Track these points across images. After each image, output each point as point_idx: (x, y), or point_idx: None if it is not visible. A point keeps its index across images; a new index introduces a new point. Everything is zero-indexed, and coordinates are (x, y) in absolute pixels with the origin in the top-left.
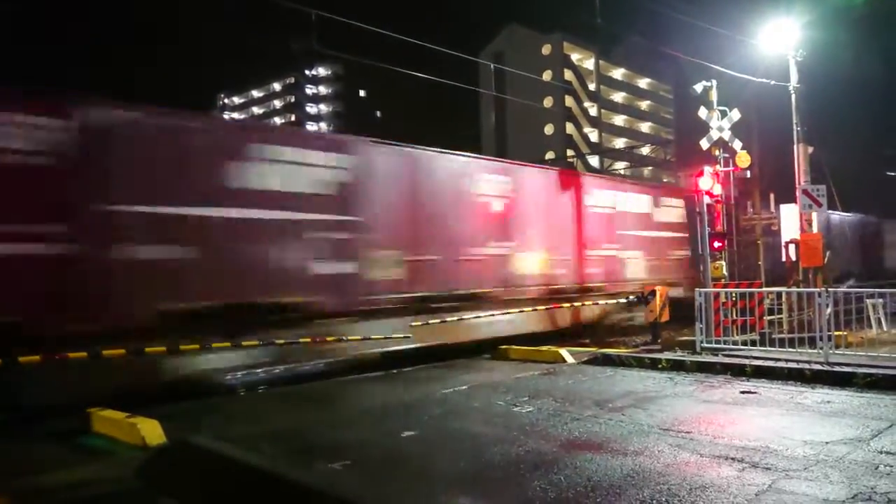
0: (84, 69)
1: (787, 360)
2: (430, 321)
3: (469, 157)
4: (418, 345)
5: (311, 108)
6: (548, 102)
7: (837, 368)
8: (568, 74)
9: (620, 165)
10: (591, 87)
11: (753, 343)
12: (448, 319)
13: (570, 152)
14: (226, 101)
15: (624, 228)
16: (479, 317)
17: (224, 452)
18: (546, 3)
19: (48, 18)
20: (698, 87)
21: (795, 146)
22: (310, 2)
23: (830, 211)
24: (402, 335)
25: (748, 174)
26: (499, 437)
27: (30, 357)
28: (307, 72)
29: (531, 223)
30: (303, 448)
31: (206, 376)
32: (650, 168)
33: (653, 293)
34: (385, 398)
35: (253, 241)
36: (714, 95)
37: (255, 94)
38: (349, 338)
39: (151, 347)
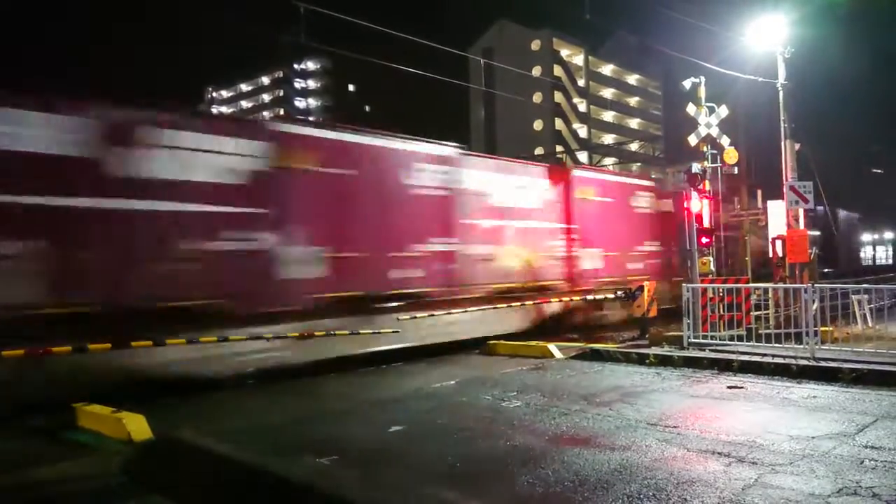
0: (65, 62)
1: (773, 356)
2: None
3: None
4: None
5: (300, 103)
6: (537, 98)
7: (823, 364)
8: (557, 70)
9: (609, 161)
10: (581, 82)
11: (740, 338)
12: None
13: (559, 148)
14: (214, 94)
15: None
16: None
17: (211, 447)
18: None
19: (25, 11)
20: (687, 84)
21: (783, 142)
22: None
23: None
24: None
25: (735, 170)
26: (487, 431)
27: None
28: (296, 66)
29: None
30: (290, 443)
31: None
32: (639, 164)
33: (641, 289)
34: (373, 393)
35: None
36: (702, 92)
37: (244, 87)
38: None
39: None
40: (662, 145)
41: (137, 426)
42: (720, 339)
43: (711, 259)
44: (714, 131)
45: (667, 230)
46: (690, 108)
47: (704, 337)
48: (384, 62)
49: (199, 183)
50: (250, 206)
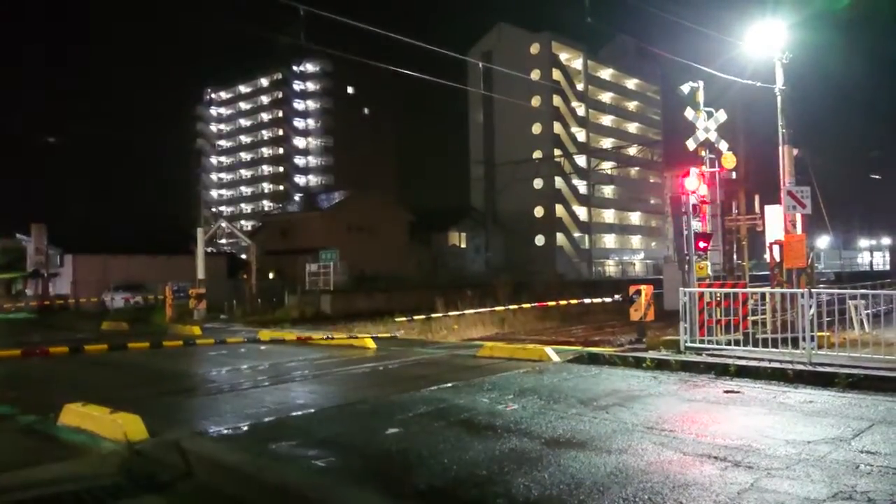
0: (63, 64)
1: (770, 360)
2: None
3: None
4: None
5: (299, 104)
6: (535, 102)
7: (820, 369)
8: (556, 74)
9: (607, 165)
10: (579, 86)
11: (737, 343)
12: None
13: (557, 151)
14: (212, 95)
15: None
16: None
17: (206, 448)
18: (535, 2)
19: (25, 9)
20: (685, 88)
21: (781, 148)
22: None
23: None
24: None
25: (734, 175)
26: (483, 434)
27: None
28: (294, 67)
29: None
30: (287, 444)
31: None
32: (637, 168)
33: (638, 292)
34: (370, 395)
35: None
36: (701, 96)
37: (243, 89)
38: None
39: None
40: (661, 150)
41: (133, 426)
42: (717, 344)
43: (709, 263)
44: (712, 136)
45: None
46: (689, 113)
47: (701, 341)
48: (384, 65)
49: None
50: None
